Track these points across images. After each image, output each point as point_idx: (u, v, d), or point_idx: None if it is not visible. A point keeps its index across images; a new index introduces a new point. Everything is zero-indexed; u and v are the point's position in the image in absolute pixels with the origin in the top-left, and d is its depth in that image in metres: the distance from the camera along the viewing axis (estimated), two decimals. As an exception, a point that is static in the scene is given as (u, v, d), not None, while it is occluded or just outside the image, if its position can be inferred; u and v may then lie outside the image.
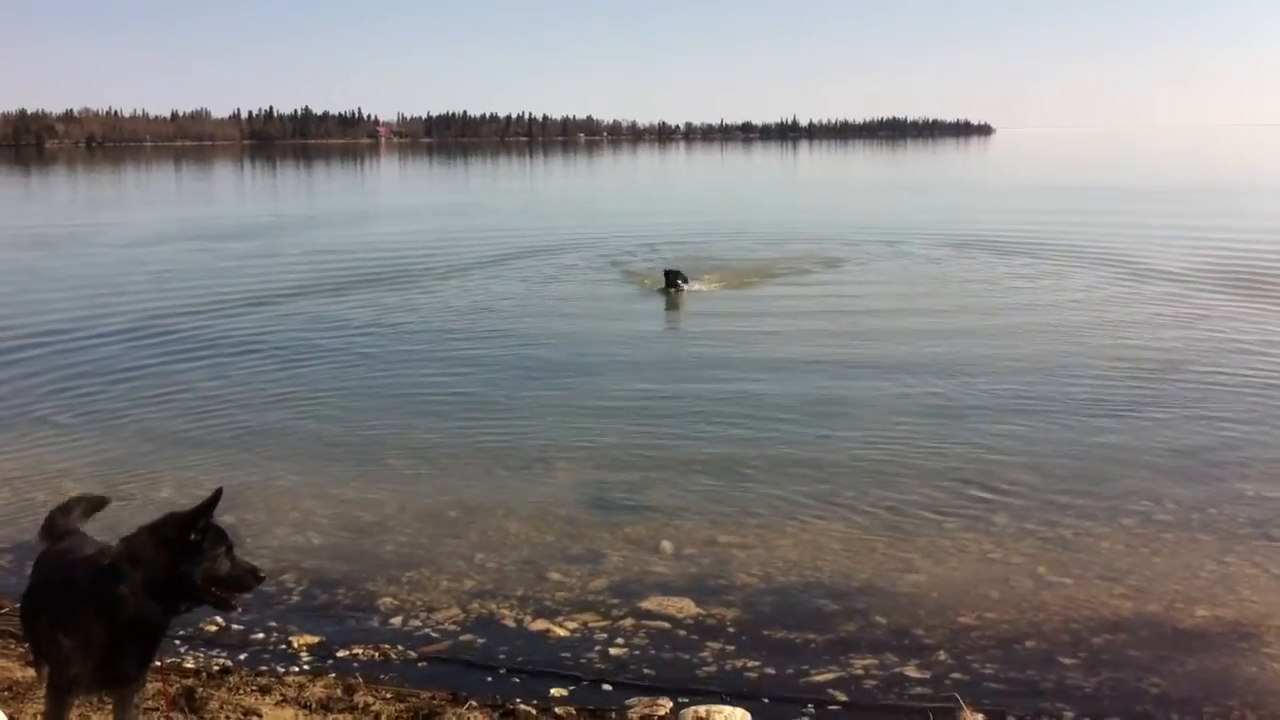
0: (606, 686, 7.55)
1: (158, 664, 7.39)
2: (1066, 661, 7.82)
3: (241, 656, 7.98)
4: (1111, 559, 9.55)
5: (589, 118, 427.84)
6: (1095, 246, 32.05)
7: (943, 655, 7.93)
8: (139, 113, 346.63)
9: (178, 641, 8.07)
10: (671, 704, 7.15)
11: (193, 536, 4.97)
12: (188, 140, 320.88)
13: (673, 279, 23.70)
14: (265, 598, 8.97)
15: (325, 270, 29.99)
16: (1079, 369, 16.48)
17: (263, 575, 5.25)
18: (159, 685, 6.60)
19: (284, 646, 8.17)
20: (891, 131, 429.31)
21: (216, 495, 5.05)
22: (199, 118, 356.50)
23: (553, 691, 7.42)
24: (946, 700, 7.23)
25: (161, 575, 4.95)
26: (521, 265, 30.15)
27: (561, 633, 8.34)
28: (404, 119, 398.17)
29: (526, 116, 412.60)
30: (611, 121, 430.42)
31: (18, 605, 8.38)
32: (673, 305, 23.10)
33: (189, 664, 7.73)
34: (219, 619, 8.49)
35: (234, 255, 34.60)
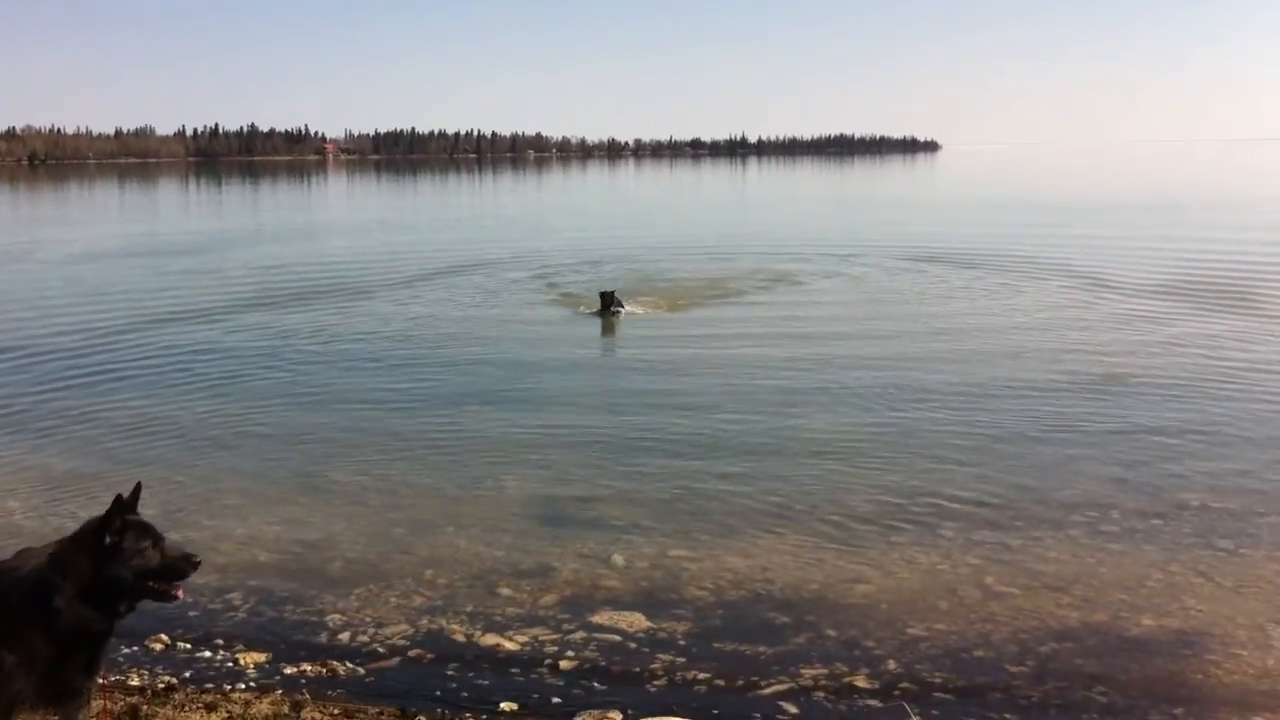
0: (556, 700, 7.51)
1: (101, 681, 7.29)
2: (1014, 670, 7.88)
3: (186, 674, 7.86)
4: (1058, 569, 9.63)
5: (538, 134, 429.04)
6: (1044, 259, 32.65)
7: (892, 665, 7.96)
8: (82, 130, 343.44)
9: (122, 660, 7.95)
10: (621, 717, 7.14)
11: (108, 539, 4.92)
12: (132, 157, 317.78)
13: (608, 301, 22.96)
14: (211, 615, 8.88)
15: (266, 286, 29.98)
16: (1026, 381, 16.62)
17: (197, 560, 5.23)
18: (102, 703, 6.49)
19: (230, 664, 8.07)
20: (839, 148, 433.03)
21: (134, 492, 5.17)
22: (143, 134, 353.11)
23: (503, 706, 7.38)
24: (895, 710, 7.25)
25: (90, 581, 4.89)
26: (463, 281, 30.17)
27: (511, 647, 8.30)
28: (351, 136, 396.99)
29: (475, 133, 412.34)
30: (561, 138, 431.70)
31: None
32: (608, 329, 22.29)
33: (134, 681, 7.62)
34: (164, 637, 8.39)
35: (174, 271, 34.38)
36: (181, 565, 5.14)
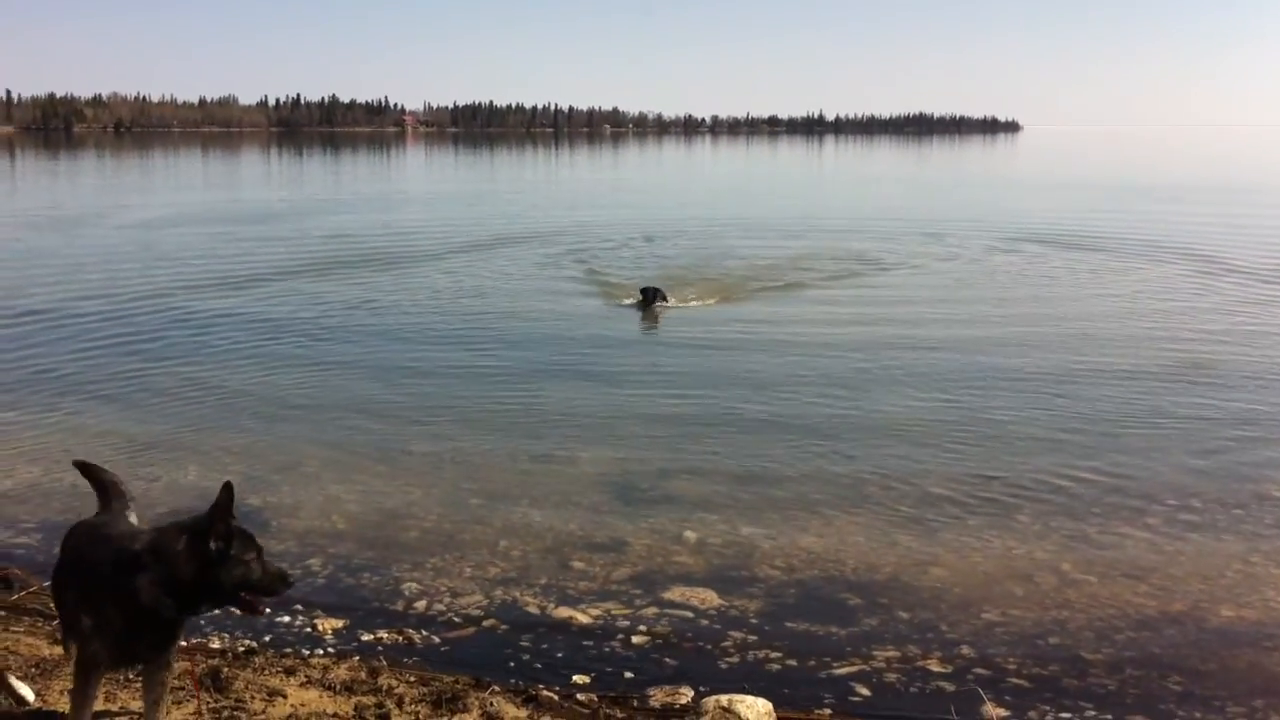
0: (628, 674, 7.56)
1: (183, 644, 7.46)
2: (1090, 658, 7.80)
3: (266, 638, 8.01)
4: (1136, 557, 9.51)
5: (615, 109, 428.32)
6: (1147, 240, 32.79)
7: (966, 650, 7.92)
8: (167, 98, 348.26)
9: (204, 623, 8.10)
10: (693, 693, 7.17)
11: (214, 545, 4.96)
12: (215, 126, 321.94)
13: (650, 297, 21.63)
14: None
15: (340, 252, 30.74)
16: (1112, 366, 16.45)
17: (291, 580, 5.22)
18: (186, 664, 6.64)
19: (309, 629, 8.21)
20: (918, 127, 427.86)
21: (228, 494, 4.95)
22: (226, 104, 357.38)
23: (575, 678, 7.45)
24: (968, 694, 7.22)
25: (187, 578, 4.93)
26: (529, 254, 30.59)
27: (584, 620, 8.36)
28: (430, 108, 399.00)
29: (552, 107, 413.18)
30: (637, 113, 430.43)
31: (45, 584, 8.50)
32: (651, 321, 20.88)
33: (215, 644, 7.78)
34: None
35: (249, 238, 34.91)
36: (277, 584, 5.15)
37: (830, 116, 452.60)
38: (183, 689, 6.33)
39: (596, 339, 19.16)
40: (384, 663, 7.42)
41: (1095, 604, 8.64)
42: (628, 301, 22.26)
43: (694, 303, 22.49)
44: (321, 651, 7.71)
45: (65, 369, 16.32)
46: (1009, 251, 30.95)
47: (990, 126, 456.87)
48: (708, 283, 25.01)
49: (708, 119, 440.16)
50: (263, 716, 6.30)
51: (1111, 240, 33.23)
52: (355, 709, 6.40)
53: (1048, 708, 7.18)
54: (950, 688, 7.41)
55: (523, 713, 6.65)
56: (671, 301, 21.94)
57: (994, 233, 35.37)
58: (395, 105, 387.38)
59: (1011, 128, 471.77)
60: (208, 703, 6.35)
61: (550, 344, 18.67)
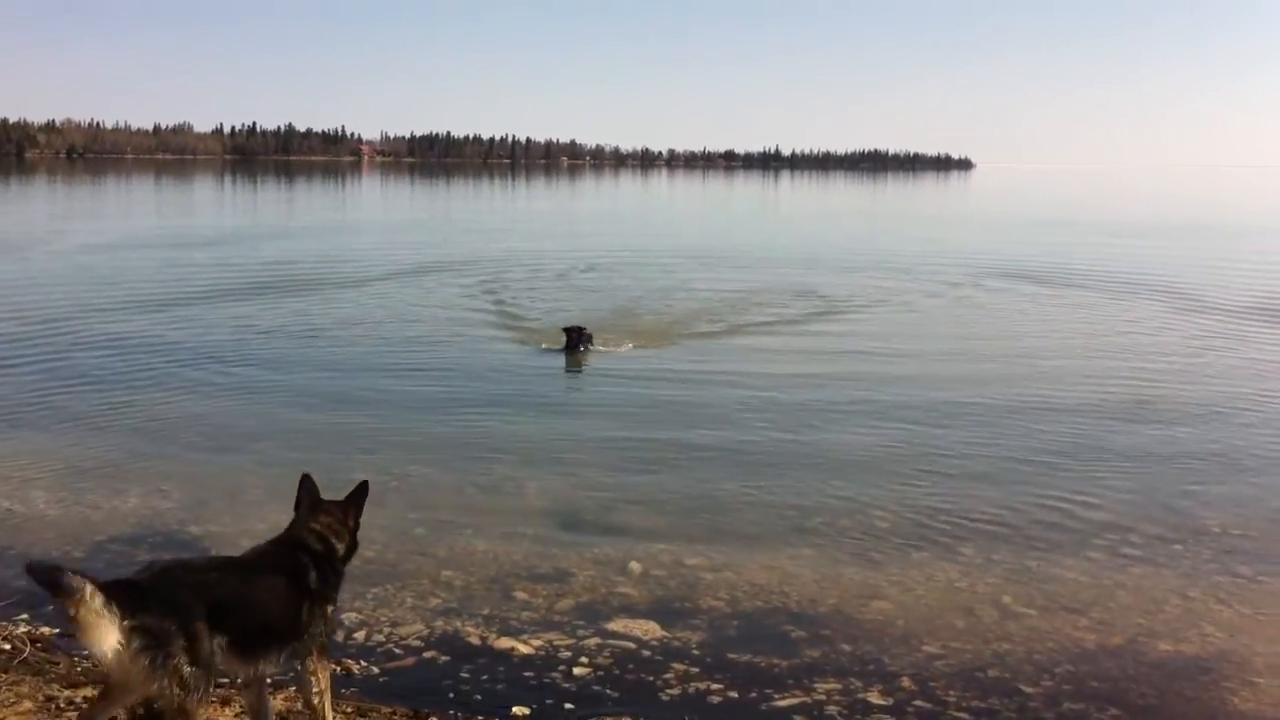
0: (569, 705, 7.52)
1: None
2: (1029, 691, 7.84)
3: (202, 668, 7.88)
4: (1076, 591, 9.59)
5: (572, 141, 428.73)
6: (1095, 275, 33.72)
7: (906, 682, 7.94)
8: (121, 124, 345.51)
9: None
10: (633, 725, 7.13)
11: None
12: (169, 153, 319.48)
13: (575, 340, 19.83)
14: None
15: (278, 277, 31.10)
16: (1056, 400, 16.64)
17: None
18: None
19: (245, 659, 8.09)
20: (873, 164, 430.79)
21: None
22: (181, 131, 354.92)
23: (515, 710, 7.40)
24: (908, 727, 7.23)
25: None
26: (489, 280, 30.35)
27: (526, 651, 8.31)
28: (387, 138, 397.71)
29: (510, 139, 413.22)
30: (595, 146, 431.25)
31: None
32: (575, 365, 19.45)
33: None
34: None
35: (191, 262, 35.19)
36: None
37: (786, 152, 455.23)
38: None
39: (537, 370, 19.11)
40: (321, 693, 7.31)
41: (1035, 637, 8.69)
42: (546, 346, 20.59)
43: (628, 346, 20.85)
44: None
45: None
46: (963, 286, 31.34)
47: (944, 164, 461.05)
48: (639, 322, 24.09)
49: (664, 152, 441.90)
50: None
51: (1064, 275, 33.92)
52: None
53: (987, 740, 7.20)
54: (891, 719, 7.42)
55: (460, 744, 6.59)
56: (597, 344, 20.25)
57: (949, 268, 35.81)
58: (352, 135, 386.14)
59: (964, 165, 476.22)
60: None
61: (491, 375, 18.60)
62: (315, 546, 5.98)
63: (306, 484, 6.32)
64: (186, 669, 5.18)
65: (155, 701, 5.22)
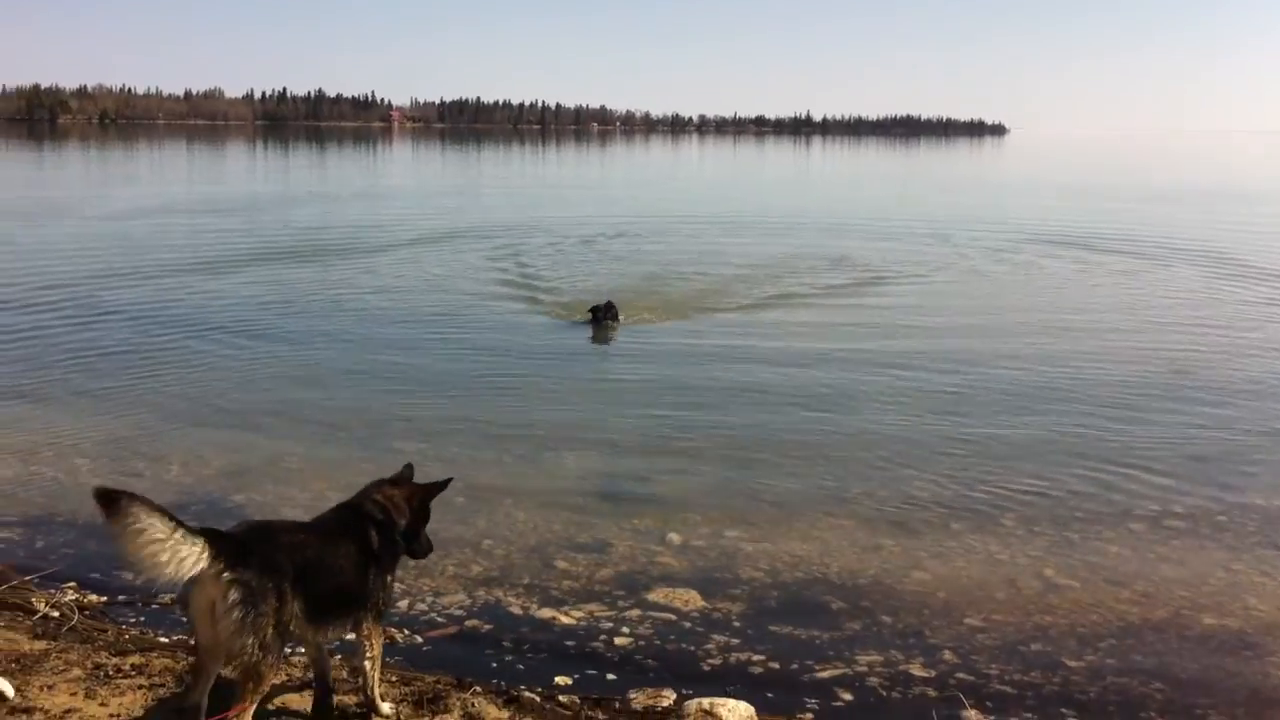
0: (611, 676, 7.55)
1: (165, 639, 7.43)
2: (1071, 665, 7.82)
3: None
4: (1119, 563, 9.54)
5: (602, 107, 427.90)
6: (1138, 241, 33.64)
7: (948, 655, 7.93)
8: (153, 90, 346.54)
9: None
10: (675, 695, 7.15)
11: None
12: (200, 119, 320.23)
13: (602, 314, 19.66)
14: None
15: (312, 241, 31.23)
16: (1099, 372, 16.52)
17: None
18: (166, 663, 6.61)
19: (290, 628, 8.16)
20: (905, 129, 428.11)
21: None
22: (212, 97, 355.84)
23: (557, 679, 7.43)
24: (950, 700, 7.22)
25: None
26: (527, 244, 30.32)
27: (567, 621, 8.35)
28: (417, 103, 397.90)
29: (540, 104, 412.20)
30: (625, 111, 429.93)
31: (26, 579, 8.47)
32: (602, 340, 19.13)
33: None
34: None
35: (225, 229, 35.29)
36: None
37: (817, 117, 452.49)
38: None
39: (567, 345, 18.90)
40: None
41: (1077, 610, 8.66)
42: (578, 319, 20.29)
43: (655, 320, 20.73)
44: (302, 650, 7.67)
45: (44, 359, 16.32)
46: (1003, 253, 31.09)
47: (977, 129, 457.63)
48: (670, 292, 23.83)
49: (695, 118, 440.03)
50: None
51: (1109, 241, 33.77)
52: (338, 707, 6.37)
53: (1029, 714, 7.20)
54: (932, 693, 7.41)
55: (504, 713, 6.63)
56: (624, 319, 19.99)
57: (988, 235, 35.61)
58: (382, 100, 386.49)
59: (998, 130, 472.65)
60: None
61: (522, 348, 18.45)
62: (376, 515, 6.07)
63: (405, 470, 6.62)
64: (271, 630, 5.28)
65: (233, 660, 5.30)
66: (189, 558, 5.03)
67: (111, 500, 4.95)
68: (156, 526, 4.95)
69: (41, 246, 29.47)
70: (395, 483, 6.41)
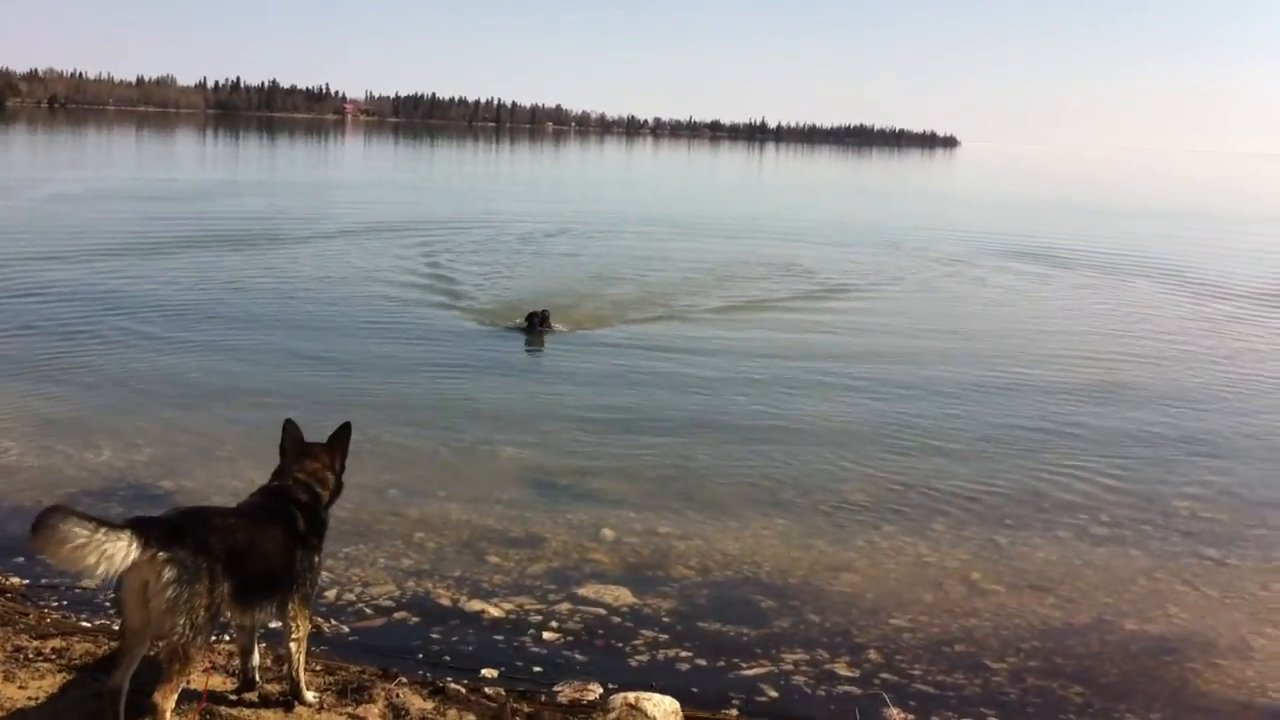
0: (537, 669, 7.56)
1: (87, 624, 7.36)
2: (994, 666, 7.91)
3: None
4: (1044, 568, 9.66)
5: (558, 107, 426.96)
6: (1090, 255, 34.26)
7: (873, 655, 8.00)
8: (104, 76, 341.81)
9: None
10: (601, 690, 7.17)
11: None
12: (151, 106, 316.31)
13: (537, 321, 18.99)
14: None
15: (246, 230, 30.76)
16: (1034, 379, 16.78)
17: None
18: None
19: (215, 615, 8.09)
20: (858, 139, 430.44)
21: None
22: (164, 84, 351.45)
23: (484, 671, 7.42)
24: (874, 698, 7.29)
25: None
26: (491, 243, 30.19)
27: (496, 614, 8.34)
28: (372, 97, 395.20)
29: (495, 102, 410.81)
30: (580, 112, 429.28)
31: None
32: (537, 345, 18.45)
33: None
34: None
35: (165, 215, 35.04)
36: None
37: (772, 124, 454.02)
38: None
39: (503, 351, 18.29)
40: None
41: (1002, 613, 8.77)
42: (512, 324, 19.42)
43: (584, 325, 20.04)
44: (227, 638, 7.61)
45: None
46: (952, 263, 31.45)
47: (929, 140, 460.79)
48: (614, 294, 23.41)
49: (650, 121, 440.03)
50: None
51: (1060, 255, 34.29)
52: (260, 696, 6.34)
53: (951, 714, 7.27)
54: (857, 691, 7.48)
55: (429, 704, 6.61)
56: (558, 327, 19.31)
57: (938, 244, 36.04)
58: (336, 93, 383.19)
59: (949, 143, 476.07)
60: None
61: (461, 343, 18.40)
62: (302, 497, 6.07)
63: (290, 429, 6.45)
64: (203, 611, 5.26)
65: (162, 640, 5.27)
66: (116, 553, 4.99)
67: (42, 523, 4.91)
68: (75, 532, 4.91)
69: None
70: (308, 453, 6.40)
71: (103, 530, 4.97)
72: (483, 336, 19.03)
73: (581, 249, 31.81)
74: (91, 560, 4.94)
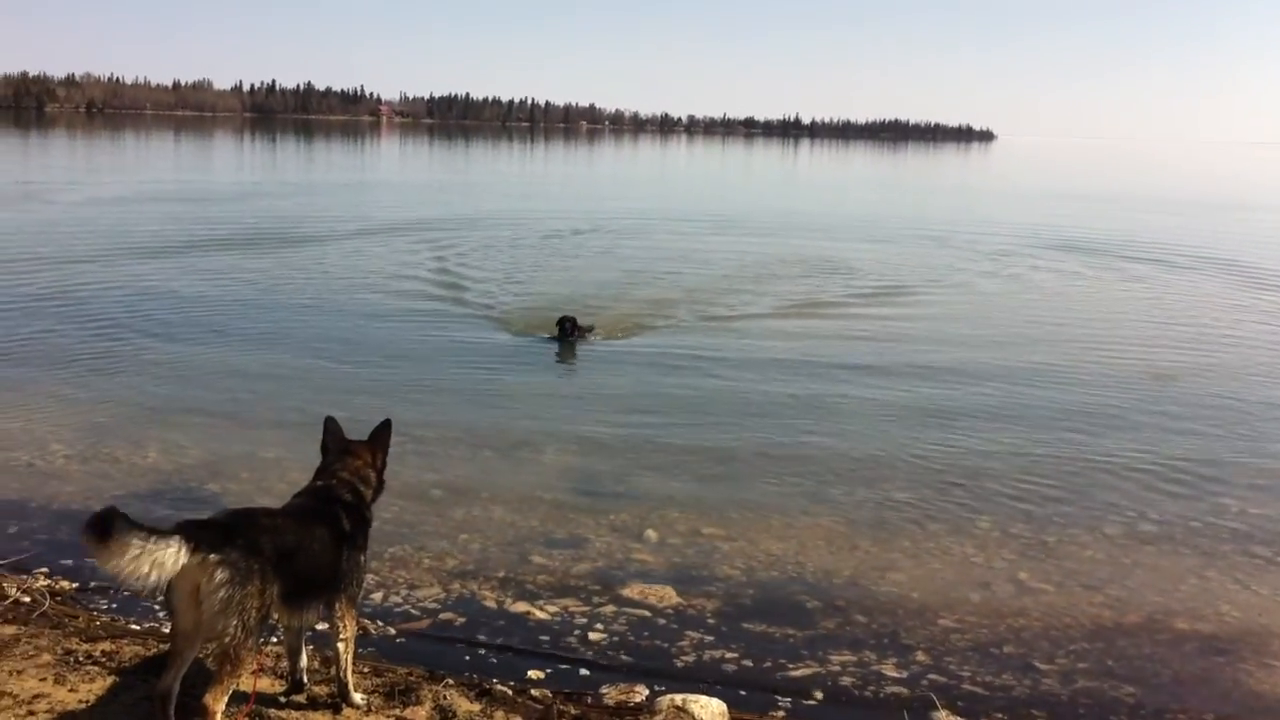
0: (584, 671, 7.54)
1: (136, 627, 7.40)
2: (1043, 668, 7.83)
3: (219, 625, 7.92)
4: (1093, 568, 9.57)
5: (591, 105, 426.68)
6: (1141, 246, 34.34)
7: (921, 656, 7.94)
8: (141, 80, 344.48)
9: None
10: (648, 691, 7.15)
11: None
12: (188, 110, 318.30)
13: (569, 329, 18.31)
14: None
15: (285, 230, 31.08)
16: (1081, 374, 16.66)
17: None
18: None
19: (263, 618, 8.13)
20: (893, 133, 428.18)
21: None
22: (201, 88, 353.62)
23: (530, 673, 7.41)
24: (923, 700, 7.23)
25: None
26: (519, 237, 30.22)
27: (542, 615, 8.33)
28: (406, 98, 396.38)
29: (529, 102, 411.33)
30: (614, 110, 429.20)
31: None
32: (569, 354, 17.79)
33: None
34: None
35: (207, 217, 35.32)
36: None
37: (806, 120, 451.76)
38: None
39: (537, 358, 17.99)
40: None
41: (1051, 613, 8.68)
42: (543, 335, 18.63)
43: (618, 333, 19.39)
44: (275, 639, 7.64)
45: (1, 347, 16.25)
46: (1000, 258, 31.25)
47: (965, 134, 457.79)
48: (647, 297, 22.81)
49: (684, 118, 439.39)
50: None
51: (1105, 247, 34.15)
52: (308, 698, 6.36)
53: (1000, 715, 7.21)
54: (904, 693, 7.42)
55: (476, 707, 6.61)
56: (594, 335, 18.81)
57: (984, 238, 35.85)
58: (371, 94, 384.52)
59: (986, 136, 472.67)
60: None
61: (498, 343, 18.39)
62: (346, 496, 6.10)
63: (331, 426, 6.48)
64: (255, 612, 5.27)
65: (214, 642, 5.28)
66: (167, 559, 5.00)
67: (95, 530, 4.91)
68: (129, 541, 4.92)
69: (21, 229, 29.45)
70: (350, 451, 6.44)
71: (154, 538, 4.99)
72: (516, 342, 18.66)
73: (614, 246, 31.85)
74: (145, 569, 4.95)
